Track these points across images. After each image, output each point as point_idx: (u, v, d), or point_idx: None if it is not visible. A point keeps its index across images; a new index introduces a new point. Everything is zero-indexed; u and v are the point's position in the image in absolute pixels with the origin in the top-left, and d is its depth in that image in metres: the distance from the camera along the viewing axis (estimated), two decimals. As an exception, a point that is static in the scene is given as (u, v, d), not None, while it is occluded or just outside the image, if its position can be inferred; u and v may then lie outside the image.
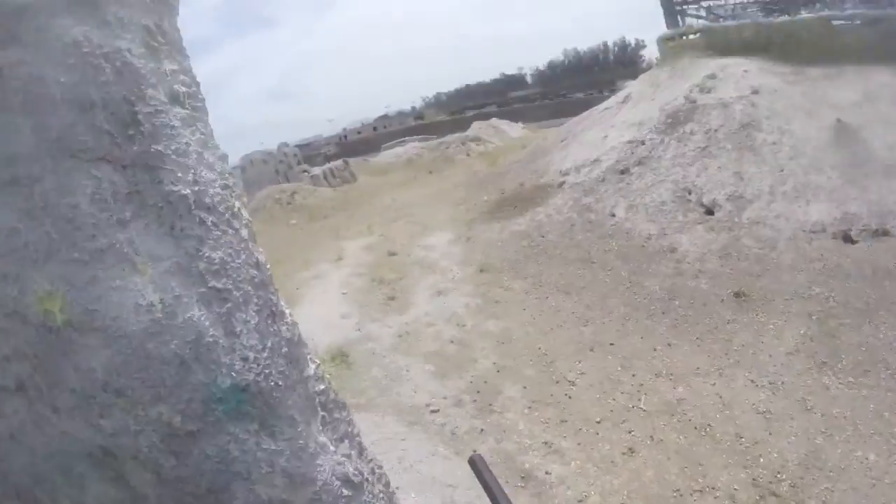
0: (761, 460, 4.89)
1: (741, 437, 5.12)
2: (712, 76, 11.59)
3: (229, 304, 1.22)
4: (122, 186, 1.13)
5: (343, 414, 1.71)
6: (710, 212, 9.11)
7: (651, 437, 5.24)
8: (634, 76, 19.18)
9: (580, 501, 4.67)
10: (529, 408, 5.93)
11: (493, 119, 35.46)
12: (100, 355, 1.16)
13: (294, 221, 18.79)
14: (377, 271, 11.07)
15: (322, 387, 1.61)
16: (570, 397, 6.01)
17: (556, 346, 7.06)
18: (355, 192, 22.10)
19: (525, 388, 6.30)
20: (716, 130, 10.37)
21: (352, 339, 8.34)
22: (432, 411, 6.13)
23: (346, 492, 1.53)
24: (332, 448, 1.55)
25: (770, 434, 5.14)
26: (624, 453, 5.10)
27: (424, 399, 6.40)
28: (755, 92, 10.69)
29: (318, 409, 1.58)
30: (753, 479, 4.71)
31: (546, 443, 5.37)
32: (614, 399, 5.85)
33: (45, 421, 1.25)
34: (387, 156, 32.49)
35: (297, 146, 34.49)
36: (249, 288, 1.28)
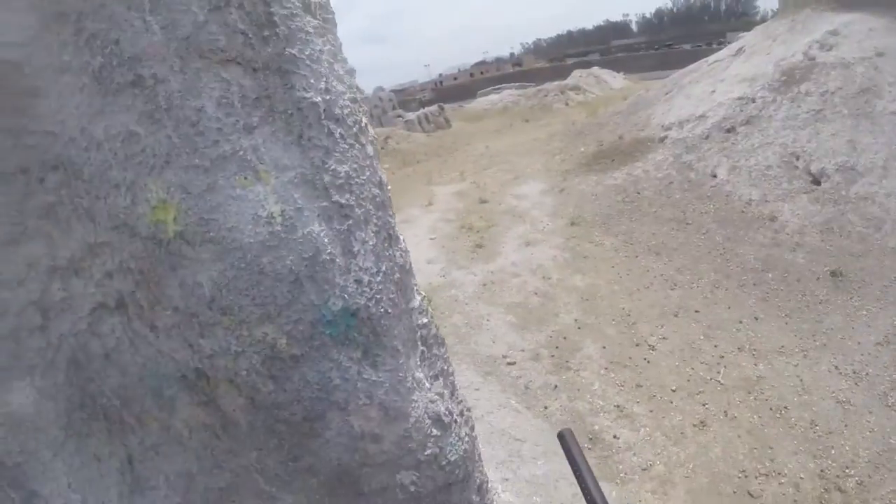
0: (832, 452, 4.62)
1: (815, 425, 4.85)
2: (834, 32, 10.46)
3: (350, 222, 1.17)
4: (252, 90, 1.07)
5: (441, 350, 1.67)
6: (816, 181, 8.39)
7: (725, 412, 5.04)
8: (747, 29, 17.85)
9: (644, 469, 4.59)
10: (606, 368, 5.82)
11: (595, 68, 33.95)
12: (210, 269, 1.12)
13: (387, 166, 18.75)
14: (466, 218, 11.03)
15: (425, 320, 1.57)
16: (648, 362, 5.86)
17: (640, 308, 6.84)
18: (449, 137, 21.91)
19: (604, 347, 6.17)
20: (833, 93, 9.42)
21: (436, 284, 8.37)
22: (509, 363, 6.10)
23: (435, 431, 1.49)
24: (427, 385, 1.51)
25: (846, 426, 4.84)
26: (695, 426, 4.94)
27: (502, 350, 6.37)
28: (880, 54, 9.59)
29: (419, 343, 1.54)
30: (821, 471, 4.46)
31: (618, 406, 5.27)
32: (693, 369, 5.65)
33: (141, 340, 1.22)
34: (482, 102, 31.83)
35: (392, 91, 34.40)
36: (371, 207, 1.23)
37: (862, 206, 7.67)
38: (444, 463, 1.55)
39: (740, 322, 6.25)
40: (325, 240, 1.14)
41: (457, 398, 1.72)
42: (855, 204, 7.75)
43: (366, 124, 1.27)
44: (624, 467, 4.64)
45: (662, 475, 4.56)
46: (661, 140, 11.00)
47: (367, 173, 1.22)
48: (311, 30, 1.14)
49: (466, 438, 1.69)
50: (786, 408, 5.07)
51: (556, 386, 5.64)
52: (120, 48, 1.02)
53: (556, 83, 28.89)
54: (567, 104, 24.64)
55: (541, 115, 23.26)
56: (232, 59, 1.05)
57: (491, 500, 2.00)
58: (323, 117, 1.12)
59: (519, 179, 12.70)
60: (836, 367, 5.47)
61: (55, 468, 1.27)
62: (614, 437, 4.93)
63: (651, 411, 5.18)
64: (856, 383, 5.26)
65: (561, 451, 4.43)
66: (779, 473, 4.51)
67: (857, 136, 8.62)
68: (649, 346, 6.09)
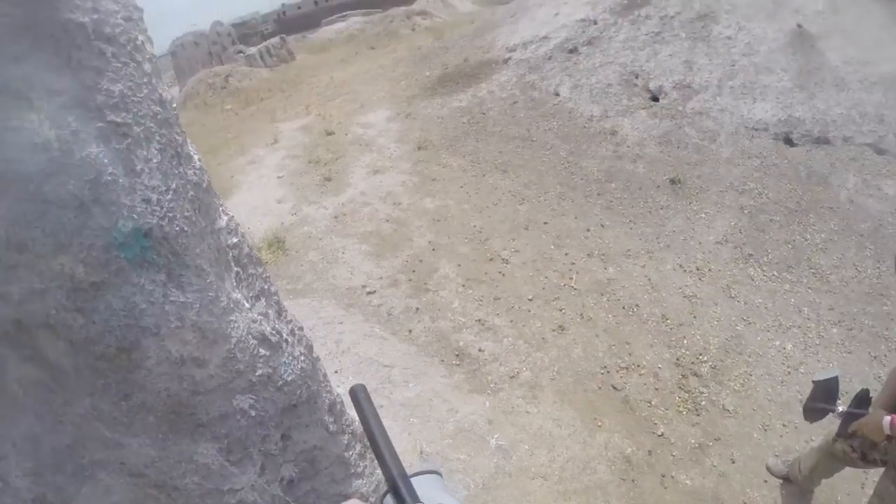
0: (685, 342, 5.23)
1: (667, 319, 5.44)
2: (678, -42, 11.23)
3: (129, 140, 1.16)
4: (19, 18, 1.03)
5: (259, 270, 1.70)
6: (655, 98, 9.13)
7: (581, 315, 5.54)
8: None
9: (512, 377, 4.95)
10: (464, 286, 6.13)
11: None
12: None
13: (229, 107, 17.87)
14: (313, 152, 10.84)
15: (235, 240, 1.58)
16: (503, 275, 6.23)
17: (491, 224, 7.23)
18: (293, 71, 21.02)
19: (459, 266, 6.48)
20: (672, 17, 10.19)
21: (287, 223, 8.29)
22: (368, 293, 6.24)
23: (263, 351, 1.55)
24: (246, 305, 1.55)
25: (694, 318, 5.47)
26: (554, 330, 5.39)
27: (361, 280, 6.49)
28: (719, -19, 10.49)
29: (232, 263, 1.56)
30: (677, 360, 5.05)
31: (479, 321, 5.60)
32: (546, 277, 6.10)
33: None
34: (327, 32, 30.88)
35: (231, 25, 32.38)
36: (152, 125, 1.21)
37: (697, 121, 8.46)
38: (280, 384, 1.61)
39: (588, 230, 6.79)
40: (105, 160, 1.13)
41: (285, 318, 1.77)
42: (691, 118, 8.53)
43: (142, 42, 1.23)
44: (493, 378, 4.96)
45: (530, 381, 4.91)
46: (506, 61, 11.31)
47: (146, 91, 1.20)
48: None
49: (302, 358, 1.75)
50: (637, 305, 5.63)
51: (417, 309, 5.88)
52: None
53: (402, 9, 28.50)
54: (413, 29, 24.44)
55: (387, 41, 22.90)
56: None
57: (349, 420, 2.08)
58: (92, 38, 1.10)
59: (364, 108, 12.60)
60: (681, 266, 6.11)
61: None
62: (479, 350, 5.25)
63: (511, 321, 5.55)
64: (700, 279, 5.92)
65: (428, 372, 4.69)
66: (638, 366, 5.03)
67: (693, 57, 9.41)
68: (503, 259, 6.47)
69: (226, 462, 1.50)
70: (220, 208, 1.56)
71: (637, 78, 9.45)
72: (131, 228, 1.18)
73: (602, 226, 6.88)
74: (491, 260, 6.53)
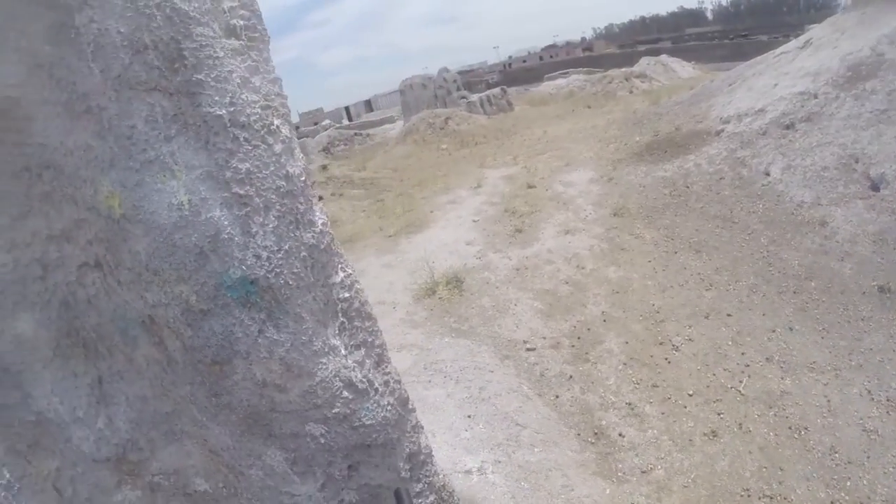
0: (848, 484, 4.45)
1: (835, 452, 4.70)
2: (906, 27, 10.03)
3: (248, 209, 1.48)
4: (170, 109, 1.46)
5: (366, 324, 1.94)
6: (875, 187, 8.02)
7: (740, 425, 5.00)
8: (827, 21, 17.06)
9: (643, 472, 4.66)
10: (625, 364, 5.92)
11: (664, 56, 33.10)
12: (142, 241, 1.53)
13: (444, 146, 19.18)
14: (511, 202, 11.25)
15: (347, 295, 1.85)
16: (669, 362, 5.89)
17: (670, 306, 6.87)
18: (510, 121, 21.97)
19: (626, 343, 6.26)
20: None
21: (470, 266, 8.67)
22: (528, 349, 6.32)
23: (346, 394, 1.78)
24: (343, 352, 1.80)
25: (868, 457, 4.65)
26: (705, 434, 4.94)
27: (524, 335, 6.60)
28: (955, 53, 9.19)
29: (340, 314, 1.82)
30: (832, 502, 4.40)
31: (630, 404, 5.37)
32: (714, 375, 5.63)
33: (112, 291, 1.67)
34: (548, 86, 31.84)
35: (458, 72, 34.63)
36: (273, 196, 1.53)
37: (924, 221, 7.37)
38: (356, 424, 1.82)
39: (773, 331, 6.14)
40: (225, 222, 1.45)
41: (383, 370, 1.99)
42: (916, 217, 7.46)
43: (277, 126, 1.54)
44: (623, 467, 4.72)
45: (661, 481, 4.59)
46: (718, 133, 10.82)
47: (272, 168, 1.51)
48: (222, 54, 1.45)
49: (389, 408, 1.96)
50: (806, 429, 4.93)
51: (571, 376, 5.82)
52: (76, 87, 1.45)
53: (622, 70, 28.40)
54: (631, 91, 24.29)
55: (604, 101, 23.02)
56: (153, 87, 1.44)
57: (431, 473, 2.25)
58: (228, 125, 1.44)
59: (570, 166, 12.80)
60: (869, 392, 5.24)
61: (43, 377, 1.76)
62: (620, 434, 5.03)
63: (663, 413, 5.23)
64: (888, 412, 5.00)
65: (560, 443, 4.70)
66: (784, 498, 4.40)
67: (923, 140, 8.27)
68: (673, 346, 6.13)
69: (289, 470, 1.79)
70: (340, 265, 1.84)
71: (857, 162, 8.41)
72: (240, 276, 1.50)
73: (790, 329, 6.16)
74: (661, 343, 6.22)
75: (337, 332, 1.80)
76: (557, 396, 5.54)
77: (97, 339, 1.77)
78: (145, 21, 1.38)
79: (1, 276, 1.68)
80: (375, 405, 1.90)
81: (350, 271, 1.89)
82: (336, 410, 1.77)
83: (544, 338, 6.48)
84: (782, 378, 5.49)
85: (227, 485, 1.88)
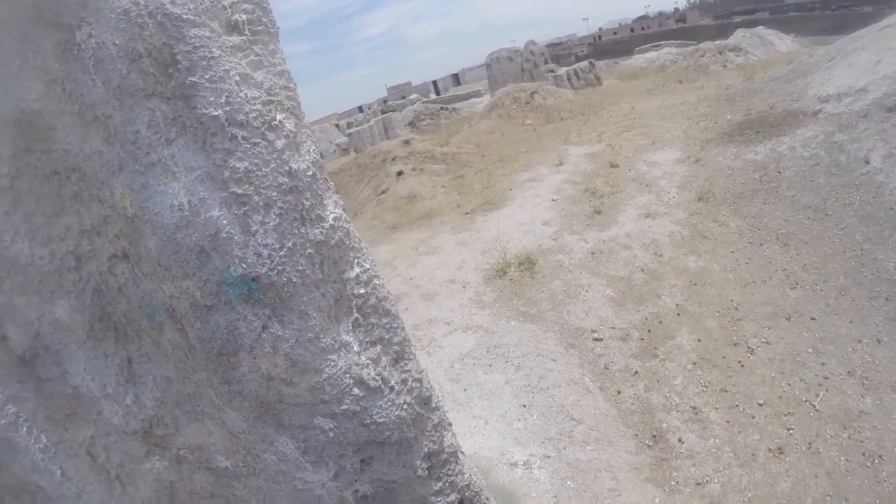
0: None
1: None
2: None
3: (247, 207, 1.49)
4: (169, 113, 1.52)
5: (384, 320, 1.93)
6: None
7: (809, 444, 4.66)
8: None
9: (699, 484, 4.47)
10: (695, 364, 5.68)
11: (760, 28, 30.90)
12: (152, 240, 1.63)
13: (529, 121, 18.94)
14: (592, 182, 11.00)
15: (362, 291, 1.84)
16: (742, 366, 5.58)
17: (750, 303, 6.48)
18: (597, 95, 21.41)
19: (699, 340, 6.00)
20: None
21: (545, 247, 8.60)
22: (595, 339, 6.21)
23: (357, 391, 1.79)
24: (356, 348, 1.80)
25: None
26: (771, 450, 4.66)
27: (593, 324, 6.49)
28: None
29: (354, 310, 1.82)
30: None
31: (694, 408, 5.16)
32: (789, 384, 5.27)
33: (139, 280, 1.80)
34: (638, 60, 31.06)
35: (546, 45, 34.06)
36: (274, 193, 1.54)
37: None
38: (367, 422, 1.83)
39: (859, 342, 5.63)
40: (224, 221, 1.49)
41: (402, 367, 1.98)
42: None
43: (280, 120, 1.53)
44: (678, 475, 4.56)
45: (716, 496, 4.38)
46: (815, 114, 10.04)
47: (272, 165, 1.52)
48: (219, 53, 1.48)
49: (405, 406, 1.96)
50: (881, 457, 4.51)
51: (636, 372, 5.69)
52: (84, 98, 1.57)
53: (715, 43, 26.95)
54: (725, 66, 22.99)
55: (696, 76, 21.92)
56: (151, 93, 1.51)
57: (454, 472, 2.24)
58: (226, 125, 1.46)
59: (656, 145, 12.32)
60: None
61: (78, 357, 1.97)
62: (679, 440, 4.87)
63: (728, 422, 4.99)
64: None
65: (615, 442, 4.60)
66: None
67: None
68: (749, 348, 5.80)
69: (301, 458, 1.88)
70: (356, 260, 1.83)
71: (971, 150, 7.68)
72: (240, 274, 1.55)
73: (878, 340, 5.60)
74: (735, 344, 5.89)
75: (350, 328, 1.81)
76: (619, 392, 5.43)
77: (127, 323, 1.93)
78: (138, 30, 1.44)
79: (39, 266, 1.87)
80: (390, 403, 1.90)
81: (367, 266, 1.88)
82: (345, 407, 1.79)
83: (613, 328, 6.34)
84: (863, 396, 5.07)
85: (245, 464, 2.01)
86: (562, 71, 25.56)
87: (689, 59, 25.22)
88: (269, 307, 1.60)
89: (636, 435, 4.95)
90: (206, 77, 1.45)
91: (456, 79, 64.97)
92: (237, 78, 1.49)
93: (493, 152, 16.00)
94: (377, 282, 1.92)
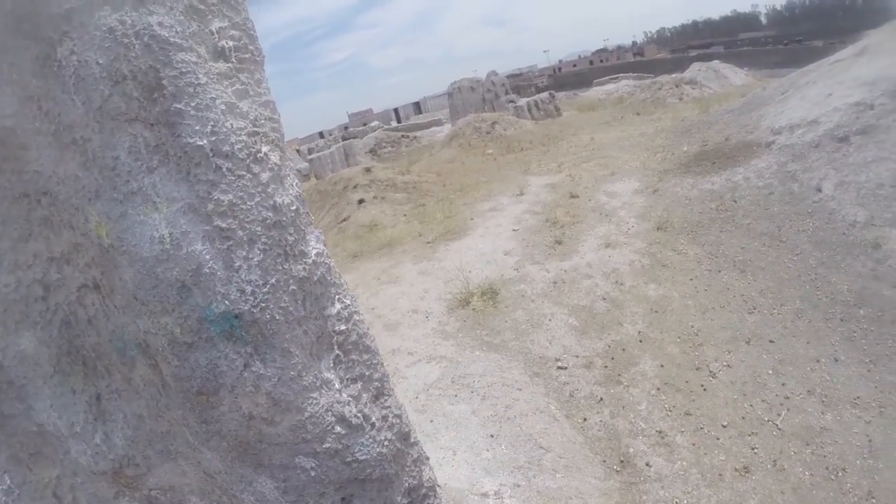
0: None
1: (873, 497, 4.39)
2: (973, 31, 9.48)
3: (230, 242, 1.44)
4: (151, 140, 1.45)
5: (364, 357, 1.89)
6: None
7: (774, 462, 4.76)
8: (885, 26, 16.36)
9: None
10: (658, 389, 5.72)
11: (715, 62, 32.20)
12: (129, 272, 1.54)
13: (490, 151, 19.15)
14: (553, 212, 11.11)
15: (343, 327, 1.80)
16: (705, 390, 5.65)
17: (710, 329, 6.61)
18: (557, 126, 21.78)
19: (662, 366, 6.05)
20: None
21: (507, 277, 8.59)
22: (559, 367, 6.20)
23: (339, 429, 1.74)
24: (337, 386, 1.75)
25: None
26: (737, 470, 4.72)
27: (556, 352, 6.48)
28: None
29: (335, 347, 1.77)
30: None
31: (660, 432, 5.19)
32: (751, 405, 5.37)
33: (111, 313, 1.70)
34: (597, 91, 31.88)
35: (507, 76, 34.67)
36: (259, 229, 1.49)
37: None
38: (349, 459, 1.78)
39: (817, 361, 5.82)
40: (207, 256, 1.42)
41: (382, 403, 1.94)
42: (979, 242, 7.04)
43: (265, 153, 1.50)
44: (648, 499, 4.56)
45: None
46: (769, 145, 10.40)
47: (257, 199, 1.46)
48: (205, 80, 1.42)
49: (386, 443, 1.91)
50: (844, 470, 4.65)
51: (601, 399, 5.68)
52: (61, 119, 1.48)
53: (672, 76, 27.88)
54: (681, 98, 23.76)
55: (653, 108, 22.56)
56: (133, 118, 1.44)
57: (434, 506, 2.19)
58: (210, 155, 1.40)
59: (615, 176, 12.58)
60: None
61: (44, 392, 1.85)
62: (647, 464, 4.87)
63: (694, 444, 5.03)
64: None
65: (583, 469, 4.59)
66: None
67: None
68: (710, 372, 5.89)
69: (281, 498, 1.79)
70: (337, 296, 1.79)
71: (917, 179, 8.01)
72: (223, 310, 1.48)
73: (835, 360, 5.81)
74: (697, 369, 5.97)
75: (332, 364, 1.76)
76: (586, 419, 5.41)
77: (96, 357, 1.82)
78: (123, 51, 1.37)
79: (4, 295, 1.77)
80: (371, 440, 1.85)
81: (348, 302, 1.84)
82: (327, 445, 1.73)
83: (577, 356, 6.35)
84: (823, 413, 5.21)
85: (221, 506, 1.88)
86: (522, 102, 25.93)
87: (647, 92, 25.89)
88: (251, 345, 1.54)
89: (604, 461, 4.93)
90: (193, 104, 1.39)
91: (417, 107, 65.42)
92: (223, 107, 1.43)
93: (454, 181, 16.07)
94: (357, 318, 1.87)
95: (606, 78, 37.68)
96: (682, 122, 15.74)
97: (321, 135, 55.63)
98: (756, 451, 4.87)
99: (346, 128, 52.81)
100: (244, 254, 1.48)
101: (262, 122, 1.53)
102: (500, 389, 5.80)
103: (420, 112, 61.30)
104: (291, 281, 1.59)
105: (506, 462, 4.84)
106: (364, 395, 1.86)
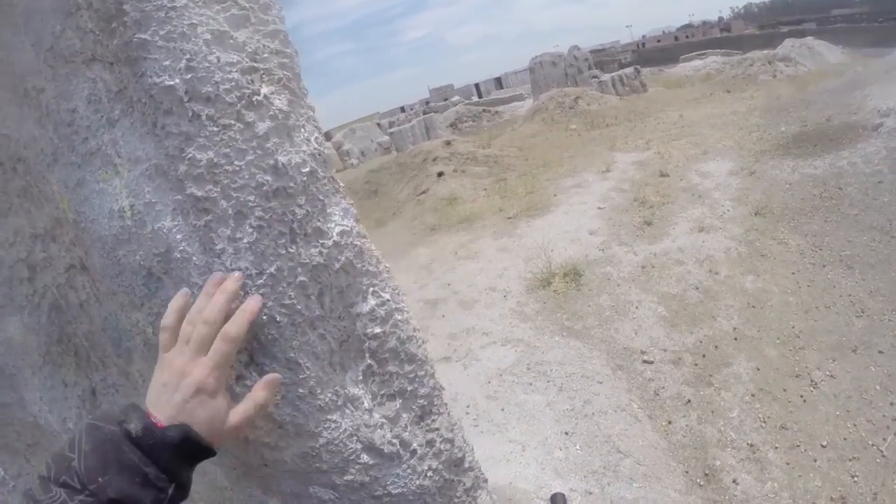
0: None
1: None
2: None
3: (209, 217, 1.03)
4: (113, 84, 1.06)
5: (407, 368, 1.45)
6: None
7: (875, 495, 4.05)
8: None
9: None
10: (753, 395, 5.08)
11: (810, 38, 29.67)
12: (93, 254, 1.23)
13: (573, 127, 18.38)
14: (642, 191, 10.43)
15: (379, 330, 1.36)
16: (804, 401, 4.96)
17: (813, 331, 5.82)
18: (642, 102, 20.68)
19: (758, 369, 5.38)
20: None
21: (591, 258, 8.11)
22: (644, 361, 5.68)
23: (366, 458, 1.33)
24: (366, 405, 1.34)
25: None
26: (833, 500, 4.07)
27: (642, 344, 5.96)
28: None
29: (366, 355, 1.35)
30: None
31: (752, 446, 4.59)
32: (854, 425, 4.63)
33: (101, 298, 1.41)
34: (684, 68, 30.34)
35: (590, 51, 33.58)
36: (251, 198, 1.06)
37: None
38: (378, 493, 1.41)
39: None
40: (178, 236, 1.07)
41: (429, 425, 1.50)
42: None
43: (267, 96, 1.08)
44: None
45: None
46: (876, 128, 9.24)
47: (249, 157, 1.05)
48: (183, 2, 0.99)
49: (430, 473, 1.50)
50: None
51: (689, 400, 5.12)
52: (13, 68, 1.17)
53: (764, 52, 25.98)
54: (774, 76, 21.99)
55: (744, 85, 20.99)
56: (91, 57, 1.06)
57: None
58: (185, 99, 1.01)
59: (707, 155, 11.66)
60: None
61: (33, 384, 1.62)
62: (734, 481, 4.31)
63: (787, 464, 4.41)
64: None
65: (663, 479, 4.07)
66: None
67: None
68: (812, 381, 5.17)
69: None
70: (372, 289, 1.35)
71: None
72: None
73: None
74: (797, 376, 5.26)
75: (361, 377, 1.34)
76: (670, 422, 4.87)
77: (90, 347, 1.54)
78: None
79: None
80: (409, 471, 1.43)
81: (387, 297, 1.39)
82: (350, 477, 1.33)
83: (665, 350, 5.78)
84: None
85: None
86: (606, 77, 24.99)
87: (737, 68, 24.33)
88: (245, 353, 1.15)
89: (687, 472, 4.42)
90: (162, 33, 0.97)
91: (498, 82, 64.61)
92: (207, 36, 1.00)
93: (536, 156, 15.48)
94: (399, 317, 1.43)
95: (693, 54, 35.84)
96: (778, 101, 14.53)
97: (402, 109, 55.88)
98: (856, 480, 4.19)
99: (426, 102, 52.79)
100: (228, 232, 1.05)
101: (266, 56, 1.10)
102: (579, 381, 5.33)
103: (501, 87, 60.45)
104: (300, 269, 1.16)
105: (579, 464, 4.39)
106: (404, 416, 1.44)
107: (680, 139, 13.59)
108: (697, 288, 6.85)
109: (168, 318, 1.06)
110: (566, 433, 4.73)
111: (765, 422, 4.82)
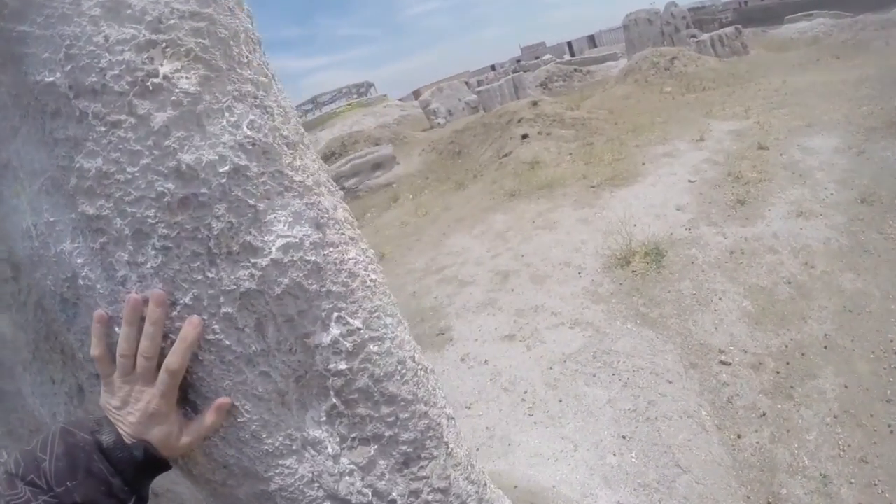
0: None
1: None
2: None
3: (104, 238, 0.87)
4: (12, 87, 0.92)
5: (384, 410, 1.26)
6: None
7: None
8: None
9: None
10: (835, 417, 4.56)
11: None
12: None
13: (668, 89, 17.45)
14: (737, 165, 9.74)
15: (342, 366, 1.17)
16: (891, 432, 4.35)
17: None
18: (743, 65, 19.31)
19: (846, 387, 4.82)
20: None
21: (676, 237, 7.68)
22: (721, 362, 5.29)
23: (328, 508, 1.16)
24: (330, 450, 1.17)
25: None
26: None
27: (721, 342, 5.56)
28: None
29: (331, 394, 1.17)
30: None
31: (825, 476, 4.12)
32: None
33: None
34: (789, 29, 28.12)
35: (689, 9, 31.98)
36: (150, 212, 0.88)
37: None
38: (345, 554, 1.22)
39: None
40: (79, 260, 0.95)
41: (413, 472, 1.32)
42: None
43: (167, 75, 0.86)
44: None
45: None
46: None
47: (146, 160, 0.86)
48: None
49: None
50: None
51: (764, 413, 4.71)
52: None
53: (877, 16, 23.64)
54: (888, 43, 20.02)
55: (854, 52, 19.04)
56: None
57: None
58: (71, 96, 0.83)
59: (812, 128, 10.70)
60: None
61: (24, 378, 1.61)
62: None
63: None
64: None
65: (723, 501, 3.75)
66: None
67: None
68: None
69: None
70: (336, 315, 1.15)
71: None
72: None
73: None
74: (888, 401, 4.61)
75: (324, 417, 1.17)
76: (739, 437, 4.50)
77: (76, 346, 1.45)
78: None
79: None
80: (382, 526, 1.26)
81: (357, 324, 1.19)
82: (308, 529, 1.18)
83: (745, 351, 5.35)
84: None
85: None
86: (705, 36, 23.72)
87: (847, 33, 22.28)
88: (179, 389, 1.02)
89: (749, 497, 4.04)
90: (39, 20, 0.81)
91: (592, 41, 62.49)
92: (96, 11, 0.82)
93: (626, 120, 14.81)
94: (375, 348, 1.23)
95: (799, 14, 33.21)
96: (892, 71, 13.14)
97: (493, 68, 55.08)
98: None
99: (517, 61, 51.79)
100: (127, 257, 0.89)
101: (172, 22, 0.88)
102: (647, 378, 5.04)
103: (595, 46, 58.42)
104: (223, 298, 0.96)
105: (632, 475, 4.14)
106: (381, 463, 1.25)
107: (782, 108, 12.55)
108: (790, 282, 6.27)
109: (96, 349, 1.00)
110: (623, 437, 4.47)
111: (844, 450, 4.32)
